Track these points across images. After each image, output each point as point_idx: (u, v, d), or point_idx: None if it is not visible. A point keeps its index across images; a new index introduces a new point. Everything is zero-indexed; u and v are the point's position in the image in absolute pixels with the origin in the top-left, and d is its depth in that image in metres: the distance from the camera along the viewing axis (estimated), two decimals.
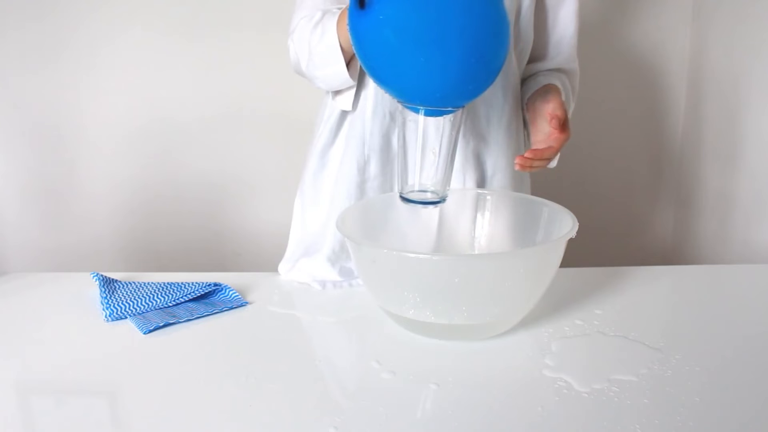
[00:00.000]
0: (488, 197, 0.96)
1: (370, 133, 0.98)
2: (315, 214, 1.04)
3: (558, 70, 1.06)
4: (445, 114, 0.77)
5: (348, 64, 0.90)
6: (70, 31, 1.65)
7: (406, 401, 0.66)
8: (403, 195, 0.82)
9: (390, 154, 0.99)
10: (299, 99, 1.68)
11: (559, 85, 0.98)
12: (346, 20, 0.87)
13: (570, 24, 1.04)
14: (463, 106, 0.78)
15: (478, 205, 0.96)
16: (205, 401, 0.67)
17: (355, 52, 0.76)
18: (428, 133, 0.78)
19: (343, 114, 1.00)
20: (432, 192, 0.81)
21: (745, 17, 1.45)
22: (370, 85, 0.97)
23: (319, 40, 0.90)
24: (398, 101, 0.77)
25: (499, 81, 0.99)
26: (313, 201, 1.04)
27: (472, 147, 1.00)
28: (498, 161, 1.02)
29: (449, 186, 0.83)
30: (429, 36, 0.68)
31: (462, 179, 1.00)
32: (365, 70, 0.77)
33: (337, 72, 0.91)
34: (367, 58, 0.74)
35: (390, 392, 0.68)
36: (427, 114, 0.76)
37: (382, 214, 0.94)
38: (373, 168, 0.99)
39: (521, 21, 0.99)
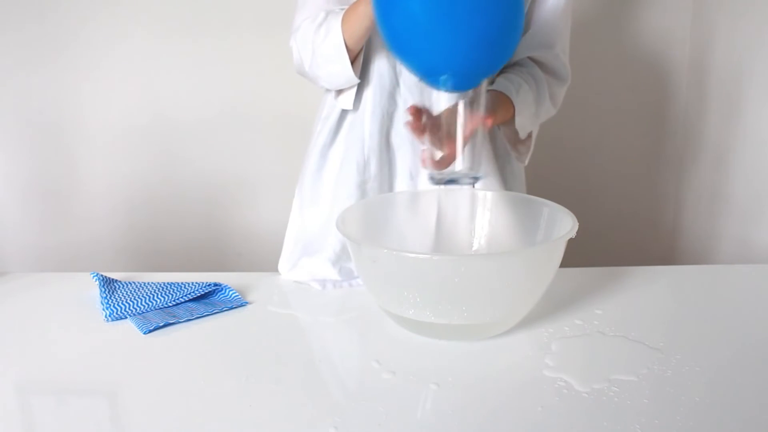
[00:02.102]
0: (488, 197, 0.96)
1: (370, 134, 0.98)
2: (315, 213, 1.04)
3: (531, 59, 1.03)
4: (465, 90, 0.77)
5: (352, 63, 0.91)
6: (71, 31, 1.66)
7: (406, 401, 0.66)
8: (435, 177, 0.81)
9: (389, 155, 0.99)
10: (300, 98, 1.68)
11: (506, 89, 0.95)
12: (350, 18, 0.88)
13: (556, 10, 1.01)
14: (483, 82, 0.78)
15: (478, 204, 0.96)
16: (205, 401, 0.67)
17: (378, 26, 0.76)
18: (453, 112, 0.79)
19: (343, 114, 1.01)
20: (464, 174, 0.81)
21: (745, 16, 1.45)
22: (370, 85, 0.97)
23: (324, 40, 0.91)
24: (420, 78, 0.78)
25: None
26: (312, 200, 1.04)
27: None
28: (488, 164, 1.02)
29: (481, 166, 0.82)
30: (454, 6, 0.69)
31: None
32: (388, 45, 0.77)
33: (342, 70, 0.92)
34: (391, 30, 0.75)
35: (390, 392, 0.68)
36: (450, 89, 0.76)
37: (382, 214, 0.94)
38: (373, 168, 0.99)
39: None
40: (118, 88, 1.70)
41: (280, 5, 1.60)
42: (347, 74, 0.92)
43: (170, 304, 0.89)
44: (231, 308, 0.89)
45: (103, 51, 1.67)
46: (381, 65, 0.97)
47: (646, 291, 0.93)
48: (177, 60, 1.69)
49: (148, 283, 0.94)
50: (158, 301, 0.88)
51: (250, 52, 1.68)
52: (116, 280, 0.95)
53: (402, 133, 0.99)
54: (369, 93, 0.97)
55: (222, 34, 1.67)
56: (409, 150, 0.99)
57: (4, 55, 1.66)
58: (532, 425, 0.62)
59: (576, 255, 1.18)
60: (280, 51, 1.65)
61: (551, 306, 0.86)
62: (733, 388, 0.68)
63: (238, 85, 1.71)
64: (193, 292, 0.91)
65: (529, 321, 0.82)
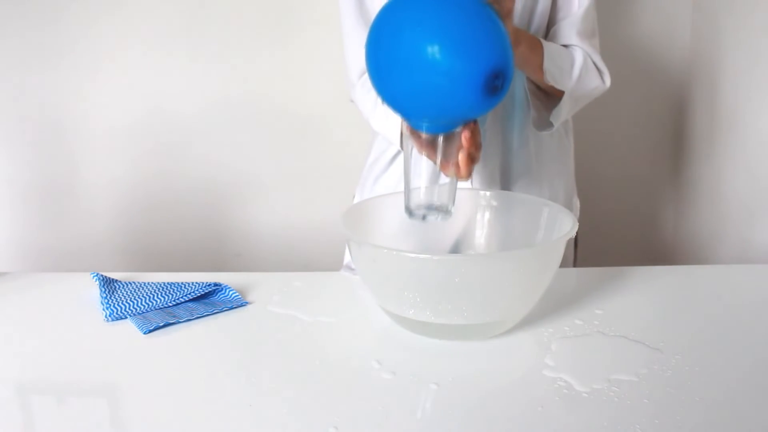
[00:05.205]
0: (488, 197, 0.96)
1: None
2: None
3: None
4: (437, 132, 0.78)
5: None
6: (71, 32, 1.65)
7: (406, 401, 0.66)
8: (412, 209, 0.82)
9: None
10: (302, 98, 1.68)
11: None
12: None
13: (578, 9, 1.02)
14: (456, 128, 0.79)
15: (478, 205, 0.96)
16: (205, 401, 0.67)
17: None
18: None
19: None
20: (437, 207, 0.82)
21: (745, 16, 1.45)
22: None
23: (383, 125, 1.02)
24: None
25: (507, 108, 1.01)
26: None
27: (495, 171, 1.03)
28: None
29: (453, 203, 0.83)
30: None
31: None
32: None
33: (395, 143, 1.02)
34: (372, 78, 0.78)
35: (390, 392, 0.68)
36: (427, 131, 0.78)
37: (384, 214, 0.94)
38: None
39: (534, 20, 0.99)
40: (118, 86, 1.70)
41: (281, 3, 1.60)
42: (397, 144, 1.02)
43: (170, 304, 0.89)
44: (231, 308, 0.89)
45: (103, 51, 1.67)
46: None
47: (646, 291, 0.93)
48: (177, 59, 1.68)
49: (148, 283, 0.94)
50: (158, 301, 0.88)
51: (251, 51, 1.68)
52: (116, 280, 0.95)
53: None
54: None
55: (223, 32, 1.67)
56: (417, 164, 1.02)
57: (5, 54, 1.66)
58: (532, 425, 0.62)
59: (576, 255, 1.18)
60: (281, 49, 1.65)
61: (551, 306, 0.86)
62: (733, 388, 0.68)
63: (240, 84, 1.70)
64: (193, 292, 0.91)
65: (529, 321, 0.82)
